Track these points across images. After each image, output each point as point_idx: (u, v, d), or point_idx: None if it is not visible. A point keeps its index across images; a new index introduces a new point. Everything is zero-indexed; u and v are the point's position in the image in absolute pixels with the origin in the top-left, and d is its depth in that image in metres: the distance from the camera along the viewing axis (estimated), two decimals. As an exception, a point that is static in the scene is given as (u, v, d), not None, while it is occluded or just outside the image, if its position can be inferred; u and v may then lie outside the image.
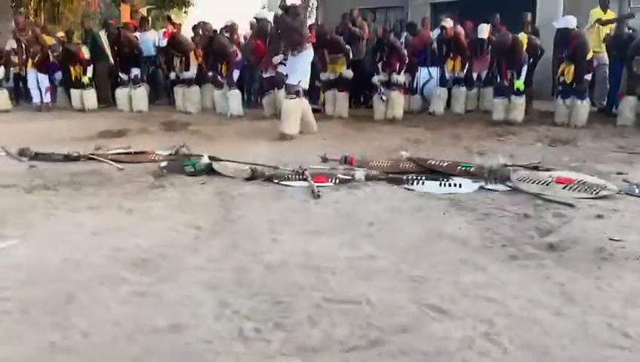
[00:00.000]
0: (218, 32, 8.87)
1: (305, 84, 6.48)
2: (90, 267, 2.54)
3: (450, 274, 2.42)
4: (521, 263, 2.57)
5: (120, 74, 9.62)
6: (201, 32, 9.19)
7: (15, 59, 9.78)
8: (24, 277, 2.42)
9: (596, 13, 8.37)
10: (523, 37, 7.80)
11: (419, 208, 3.48)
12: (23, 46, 9.59)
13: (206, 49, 8.62)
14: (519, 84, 7.41)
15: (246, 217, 3.37)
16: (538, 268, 2.50)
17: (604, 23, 8.14)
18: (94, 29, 10.94)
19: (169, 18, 10.94)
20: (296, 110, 6.37)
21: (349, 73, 8.29)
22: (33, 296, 2.24)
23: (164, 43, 9.23)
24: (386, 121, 7.83)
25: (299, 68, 6.38)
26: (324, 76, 8.32)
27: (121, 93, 9.55)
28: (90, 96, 9.59)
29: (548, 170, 4.30)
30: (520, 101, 7.46)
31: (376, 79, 8.09)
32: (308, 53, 6.51)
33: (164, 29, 10.03)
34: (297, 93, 6.38)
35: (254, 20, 8.68)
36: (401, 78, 8.05)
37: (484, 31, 8.47)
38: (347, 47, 8.26)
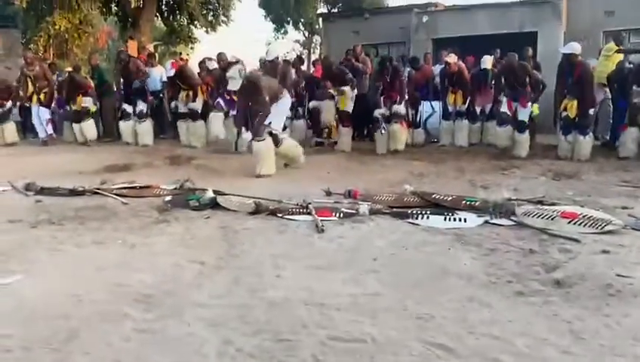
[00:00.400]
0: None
1: (278, 125, 6.45)
2: (93, 303, 2.53)
3: (456, 312, 2.39)
4: (528, 300, 2.54)
5: (124, 105, 9.67)
6: (214, 63, 9.34)
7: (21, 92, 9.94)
8: (27, 313, 2.41)
9: (612, 47, 8.47)
10: None
11: (424, 243, 3.46)
12: (29, 80, 9.76)
13: (220, 79, 8.72)
14: (534, 109, 7.52)
15: (250, 252, 3.36)
16: (545, 304, 2.47)
17: (625, 52, 8.23)
18: (101, 65, 11.13)
19: (179, 54, 11.13)
20: (267, 151, 6.29)
21: (349, 108, 8.40)
22: (36, 333, 2.22)
23: (171, 73, 9.33)
24: (389, 155, 7.88)
25: (273, 112, 6.38)
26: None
27: (125, 126, 9.62)
28: (90, 128, 9.64)
29: (552, 204, 4.30)
30: (524, 137, 7.50)
31: (378, 113, 8.15)
32: (284, 102, 6.60)
33: (172, 61, 10.18)
34: (270, 134, 6.31)
35: (265, 58, 8.82)
36: (402, 109, 8.10)
37: (487, 62, 8.59)
38: (352, 77, 8.40)
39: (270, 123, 6.27)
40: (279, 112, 6.47)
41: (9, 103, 9.95)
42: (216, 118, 8.63)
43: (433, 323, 2.28)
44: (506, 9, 12.33)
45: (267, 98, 6.17)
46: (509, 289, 2.67)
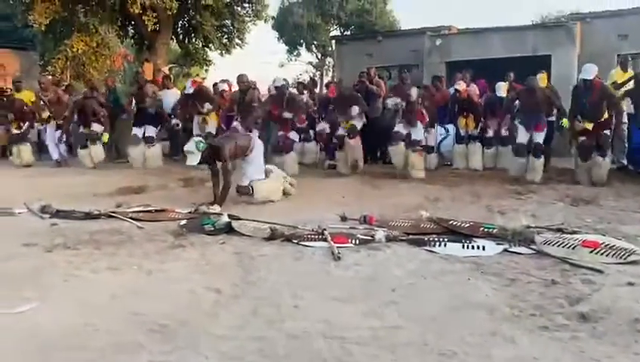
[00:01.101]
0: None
1: (258, 174, 6.16)
2: (109, 333, 2.50)
3: (479, 347, 2.33)
4: (553, 335, 2.47)
5: (134, 130, 9.66)
6: (226, 85, 9.40)
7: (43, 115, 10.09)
8: (43, 343, 2.38)
9: (617, 73, 8.40)
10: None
11: (442, 272, 3.40)
12: (45, 104, 9.92)
13: (239, 100, 8.77)
14: (563, 122, 7.42)
15: (266, 280, 3.32)
16: (571, 340, 2.40)
17: (618, 87, 8.10)
18: (117, 85, 11.26)
19: (197, 75, 11.24)
20: (269, 190, 6.18)
21: (358, 124, 8.38)
22: (51, 365, 2.19)
23: (190, 91, 9.38)
24: (403, 178, 7.82)
25: (249, 167, 6.15)
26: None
27: (134, 152, 9.56)
28: (98, 150, 9.65)
29: (573, 232, 4.22)
30: (539, 162, 7.43)
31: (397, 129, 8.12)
32: (255, 153, 6.24)
33: (192, 79, 10.27)
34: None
35: (272, 86, 8.86)
36: (420, 135, 8.06)
37: (502, 89, 8.57)
38: (364, 104, 8.42)
39: (250, 182, 6.08)
40: (254, 163, 6.16)
41: (26, 125, 10.08)
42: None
43: (456, 360, 2.22)
44: (519, 32, 12.35)
45: (229, 165, 5.86)
46: (532, 323, 2.60)
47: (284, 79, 9.31)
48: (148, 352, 2.31)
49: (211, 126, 9.33)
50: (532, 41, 11.97)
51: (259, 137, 8.86)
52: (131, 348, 2.34)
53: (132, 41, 16.28)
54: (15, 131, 10.08)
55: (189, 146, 5.65)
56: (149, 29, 13.25)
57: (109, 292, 3.07)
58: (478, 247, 3.94)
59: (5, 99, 10.40)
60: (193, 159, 5.67)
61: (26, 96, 10.59)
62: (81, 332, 2.51)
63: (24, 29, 15.07)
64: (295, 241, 4.19)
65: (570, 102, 7.69)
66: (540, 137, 7.51)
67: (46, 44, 14.68)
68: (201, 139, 5.87)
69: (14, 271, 3.44)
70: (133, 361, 2.23)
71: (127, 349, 2.33)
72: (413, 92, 8.14)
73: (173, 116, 10.31)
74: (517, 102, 7.95)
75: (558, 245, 3.83)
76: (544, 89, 7.79)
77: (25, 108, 10.15)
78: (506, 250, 3.88)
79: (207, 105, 9.23)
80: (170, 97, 10.25)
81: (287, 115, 8.40)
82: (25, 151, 9.96)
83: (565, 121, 7.47)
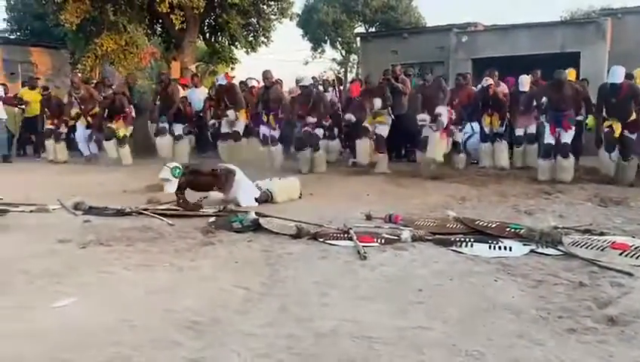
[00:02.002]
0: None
1: (252, 194, 5.88)
2: (144, 329, 2.58)
3: (507, 350, 2.35)
4: (581, 338, 2.47)
5: (159, 123, 9.83)
6: (254, 82, 9.49)
7: (73, 112, 10.34)
8: (81, 338, 2.48)
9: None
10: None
11: (469, 273, 3.42)
12: (76, 102, 10.17)
13: (263, 96, 8.87)
14: (588, 121, 7.38)
15: (293, 278, 3.38)
16: (599, 344, 2.40)
17: None
18: (138, 83, 11.48)
19: (226, 73, 11.40)
20: (281, 191, 6.14)
21: (384, 131, 8.41)
22: (91, 359, 2.28)
23: (223, 82, 9.48)
24: (429, 177, 7.80)
25: (240, 193, 5.80)
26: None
27: (161, 142, 9.75)
28: (126, 153, 9.86)
29: (601, 233, 4.19)
30: (569, 162, 7.31)
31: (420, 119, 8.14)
32: (240, 180, 5.90)
33: (225, 72, 10.42)
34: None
35: (297, 85, 8.96)
36: (444, 117, 8.01)
37: (525, 83, 8.46)
38: (389, 97, 8.46)
39: (266, 189, 6.00)
40: (243, 186, 5.87)
41: (62, 124, 10.37)
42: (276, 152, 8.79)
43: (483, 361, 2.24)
44: (547, 29, 12.20)
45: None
46: (560, 326, 2.60)
47: (313, 77, 9.39)
48: (183, 348, 2.38)
49: (241, 123, 9.43)
50: (560, 38, 11.81)
51: (282, 134, 9.01)
52: (166, 344, 2.42)
53: (160, 39, 16.53)
54: (48, 127, 10.38)
55: (164, 173, 5.46)
56: (176, 28, 13.45)
57: (142, 288, 3.17)
58: (505, 248, 3.94)
59: (46, 97, 10.73)
60: (170, 186, 5.45)
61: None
62: (117, 327, 2.60)
63: (56, 29, 15.42)
64: (321, 240, 4.25)
65: (597, 101, 7.57)
66: (567, 137, 7.39)
67: (77, 43, 14.99)
68: (176, 165, 5.62)
69: (51, 267, 3.56)
70: (169, 357, 2.30)
71: (162, 345, 2.41)
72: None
73: (201, 113, 10.50)
74: (544, 99, 7.85)
75: (587, 247, 3.80)
76: (573, 83, 7.66)
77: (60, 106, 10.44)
78: (533, 251, 3.87)
79: (231, 113, 9.32)
80: (199, 95, 10.40)
81: (311, 119, 8.46)
82: (60, 149, 10.25)
83: (591, 121, 7.36)
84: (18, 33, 20.01)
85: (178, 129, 9.81)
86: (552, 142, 7.40)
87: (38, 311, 2.84)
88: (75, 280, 3.33)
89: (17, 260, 3.70)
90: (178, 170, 5.33)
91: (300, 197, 6.26)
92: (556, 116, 7.45)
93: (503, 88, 9.00)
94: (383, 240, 4.17)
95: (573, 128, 7.45)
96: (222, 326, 2.63)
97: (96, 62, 14.26)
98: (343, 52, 28.07)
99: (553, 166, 7.39)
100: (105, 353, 2.33)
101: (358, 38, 19.55)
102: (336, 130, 9.76)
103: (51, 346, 2.40)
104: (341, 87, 11.10)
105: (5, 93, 11.41)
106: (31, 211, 5.43)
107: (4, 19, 20.55)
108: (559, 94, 7.38)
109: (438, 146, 7.98)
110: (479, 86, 9.29)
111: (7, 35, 19.96)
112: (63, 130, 10.48)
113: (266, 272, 3.51)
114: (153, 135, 10.14)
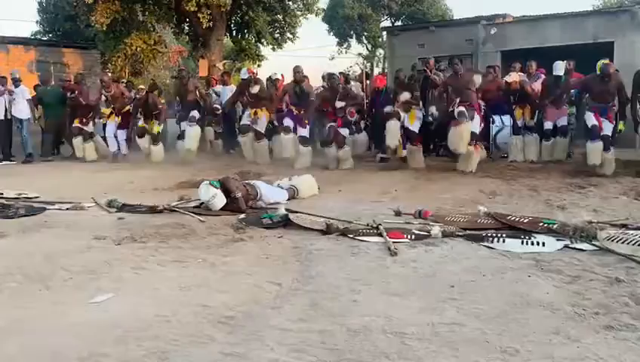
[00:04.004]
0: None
1: (280, 195, 5.85)
2: (180, 324, 2.64)
3: (542, 346, 2.32)
4: (619, 335, 2.43)
5: (181, 125, 9.98)
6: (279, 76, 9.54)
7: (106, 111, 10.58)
8: (120, 333, 2.54)
9: None
10: None
11: (502, 269, 3.38)
12: (107, 101, 10.40)
13: (294, 91, 8.89)
14: (620, 125, 7.16)
15: (324, 274, 3.39)
16: (638, 341, 2.35)
17: None
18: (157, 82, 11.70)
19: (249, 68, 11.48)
20: (310, 185, 6.26)
21: (415, 126, 8.37)
22: (129, 353, 2.34)
23: (245, 76, 9.56)
24: (458, 171, 7.73)
25: (268, 193, 5.75)
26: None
27: (180, 146, 9.88)
28: (159, 151, 10.03)
29: (638, 228, 4.09)
30: (610, 154, 7.14)
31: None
32: (263, 185, 5.87)
33: (248, 67, 10.50)
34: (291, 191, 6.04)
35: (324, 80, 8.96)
36: (476, 126, 7.88)
37: (560, 68, 8.26)
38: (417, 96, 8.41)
39: (291, 186, 6.07)
40: (269, 191, 5.83)
41: (91, 123, 10.58)
42: (286, 141, 8.79)
43: (519, 358, 2.22)
44: (579, 18, 11.91)
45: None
46: (596, 322, 2.56)
47: (341, 73, 9.36)
48: (217, 343, 2.42)
49: (262, 120, 9.46)
50: (593, 28, 11.52)
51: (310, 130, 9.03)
52: (201, 339, 2.46)
53: (187, 37, 16.72)
54: (77, 125, 10.59)
55: (205, 193, 5.19)
56: (203, 26, 13.59)
57: (176, 284, 3.23)
58: (538, 243, 3.88)
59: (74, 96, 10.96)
60: (219, 200, 5.21)
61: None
62: (153, 323, 2.66)
63: (86, 29, 15.75)
64: (350, 236, 4.25)
65: (632, 90, 7.37)
66: (609, 129, 7.23)
67: (107, 43, 15.28)
68: (209, 181, 5.38)
69: (89, 263, 3.65)
70: (204, 352, 2.35)
71: (197, 340, 2.46)
72: (477, 78, 8.02)
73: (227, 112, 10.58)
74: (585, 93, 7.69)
75: (623, 241, 3.72)
76: (618, 75, 7.48)
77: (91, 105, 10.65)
78: (567, 247, 3.81)
79: (256, 88, 9.29)
80: (229, 93, 10.48)
81: (339, 104, 8.44)
82: (89, 149, 10.47)
83: (621, 125, 7.18)
84: (50, 35, 20.49)
85: (194, 114, 9.90)
86: (597, 124, 7.22)
87: (77, 306, 2.92)
88: (112, 276, 3.41)
89: (57, 256, 3.81)
90: (215, 182, 5.33)
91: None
92: (600, 107, 7.28)
93: (540, 79, 8.81)
94: (412, 236, 4.16)
95: (615, 121, 7.28)
96: (255, 321, 2.67)
97: (125, 62, 14.52)
98: (369, 47, 27.91)
99: (602, 150, 7.18)
100: (142, 348, 2.38)
101: (385, 32, 19.43)
102: (362, 124, 9.73)
103: (90, 341, 2.46)
104: (367, 82, 11.03)
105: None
106: (67, 209, 5.57)
107: (37, 22, 21.07)
108: (605, 86, 7.22)
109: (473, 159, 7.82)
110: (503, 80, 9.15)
111: (39, 36, 20.46)
112: (91, 128, 10.67)
113: (296, 268, 3.54)
114: (177, 137, 10.29)
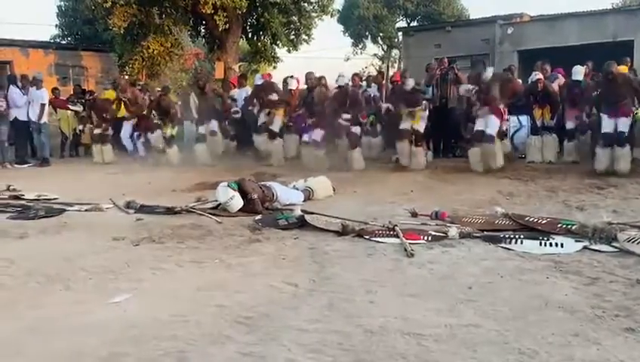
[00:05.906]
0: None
1: (296, 197, 5.86)
2: (197, 324, 2.66)
3: (561, 348, 2.30)
4: (639, 337, 2.39)
5: (199, 128, 10.02)
6: (294, 82, 9.57)
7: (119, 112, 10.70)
8: (138, 333, 2.57)
9: None
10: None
11: (520, 270, 3.35)
12: (123, 104, 10.52)
13: (306, 98, 8.91)
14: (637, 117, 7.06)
15: (340, 275, 3.40)
16: (660, 344, 2.32)
17: None
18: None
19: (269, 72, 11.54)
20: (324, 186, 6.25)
21: (421, 127, 8.32)
22: (148, 353, 2.36)
23: (260, 82, 9.59)
24: (475, 172, 7.67)
25: (284, 195, 5.75)
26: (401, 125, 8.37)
27: (199, 149, 9.86)
28: (174, 154, 10.07)
29: (659, 229, 4.02)
30: (625, 151, 7.03)
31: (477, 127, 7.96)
32: (277, 187, 5.85)
33: (263, 73, 10.54)
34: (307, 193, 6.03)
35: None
36: (495, 128, 7.82)
37: (579, 72, 8.16)
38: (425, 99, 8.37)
39: (306, 187, 6.06)
40: (285, 190, 5.88)
41: (107, 125, 10.71)
42: (292, 141, 8.84)
43: (537, 360, 2.20)
44: (598, 17, 11.78)
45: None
46: (617, 325, 2.53)
47: (355, 74, 9.35)
48: (235, 343, 2.44)
49: (277, 121, 9.48)
50: (612, 26, 11.38)
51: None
52: (219, 339, 2.48)
53: (203, 40, 16.83)
54: (97, 131, 10.73)
55: (223, 195, 5.22)
56: (219, 29, 13.68)
57: (194, 285, 3.26)
58: (557, 245, 3.85)
59: (92, 100, 11.12)
60: (237, 201, 5.22)
61: (110, 95, 11.27)
62: (171, 323, 2.69)
63: (104, 33, 15.93)
64: (366, 237, 4.25)
65: None
66: (624, 126, 7.11)
67: (124, 46, 15.44)
68: (227, 182, 5.40)
69: (108, 264, 3.70)
70: (222, 352, 2.36)
71: (215, 340, 2.48)
72: (489, 71, 7.95)
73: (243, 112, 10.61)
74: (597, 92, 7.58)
75: (644, 243, 3.66)
76: (624, 73, 7.37)
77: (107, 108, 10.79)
78: (586, 248, 3.77)
79: (274, 95, 9.34)
80: (245, 95, 10.53)
81: (346, 116, 8.46)
82: (107, 151, 10.59)
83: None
84: (69, 38, 20.79)
85: (214, 125, 9.95)
86: (611, 130, 7.11)
87: (97, 306, 2.96)
88: (130, 276, 3.45)
89: (76, 257, 3.86)
90: (233, 183, 5.35)
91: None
92: (612, 106, 7.18)
93: (560, 80, 8.71)
94: (429, 237, 4.14)
95: (631, 116, 7.15)
96: (272, 321, 2.68)
97: (142, 65, 14.66)
98: (385, 47, 27.80)
99: (611, 156, 7.09)
100: (160, 347, 2.41)
101: (400, 33, 19.40)
102: (379, 127, 9.71)
103: (109, 340, 2.50)
104: (383, 82, 11.00)
105: (56, 98, 11.87)
106: (86, 210, 5.64)
107: (56, 25, 21.38)
108: (612, 88, 7.13)
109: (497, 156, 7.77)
110: (528, 80, 9.05)
111: (59, 40, 20.77)
112: (109, 132, 10.78)
113: (313, 269, 3.55)
114: (195, 140, 10.35)
